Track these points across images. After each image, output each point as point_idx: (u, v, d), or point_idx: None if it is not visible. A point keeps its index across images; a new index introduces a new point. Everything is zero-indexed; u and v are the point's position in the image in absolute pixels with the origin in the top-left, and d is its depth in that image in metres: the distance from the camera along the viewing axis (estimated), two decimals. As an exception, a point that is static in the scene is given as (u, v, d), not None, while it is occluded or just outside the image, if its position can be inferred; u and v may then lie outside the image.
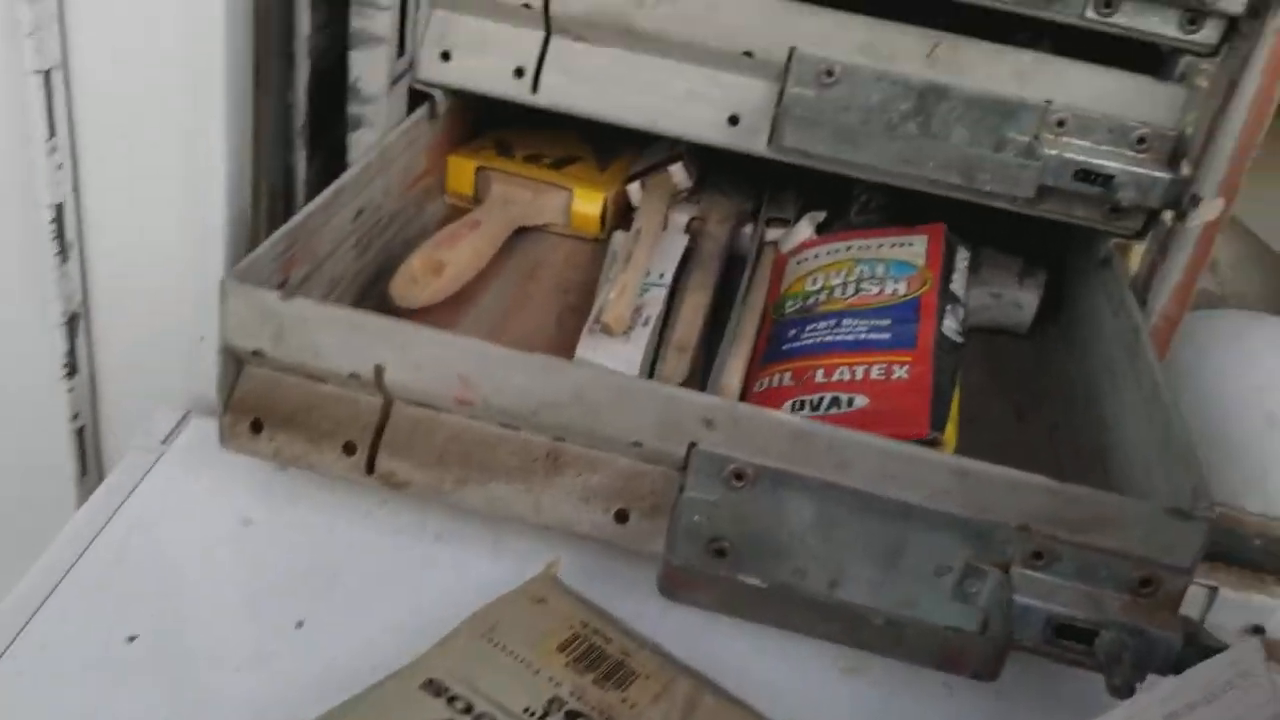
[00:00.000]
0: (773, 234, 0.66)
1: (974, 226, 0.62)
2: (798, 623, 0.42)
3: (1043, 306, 0.66)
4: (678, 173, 0.71)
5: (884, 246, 0.61)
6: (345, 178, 0.54)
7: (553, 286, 0.65)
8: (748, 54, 0.59)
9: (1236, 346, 0.59)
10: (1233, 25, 0.52)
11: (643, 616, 0.46)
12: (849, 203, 0.70)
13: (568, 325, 0.61)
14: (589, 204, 0.69)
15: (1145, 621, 0.42)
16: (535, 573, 0.46)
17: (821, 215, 0.66)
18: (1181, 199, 0.54)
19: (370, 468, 0.47)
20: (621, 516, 0.46)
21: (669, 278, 0.62)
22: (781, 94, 0.58)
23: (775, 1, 0.58)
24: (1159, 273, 0.56)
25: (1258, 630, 0.54)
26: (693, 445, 0.44)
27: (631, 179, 0.71)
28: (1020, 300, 0.66)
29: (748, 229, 0.69)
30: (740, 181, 0.72)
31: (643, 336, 0.58)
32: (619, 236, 0.67)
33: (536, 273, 0.66)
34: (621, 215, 0.71)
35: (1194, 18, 0.53)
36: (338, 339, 0.45)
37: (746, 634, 0.45)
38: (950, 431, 0.49)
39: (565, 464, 0.46)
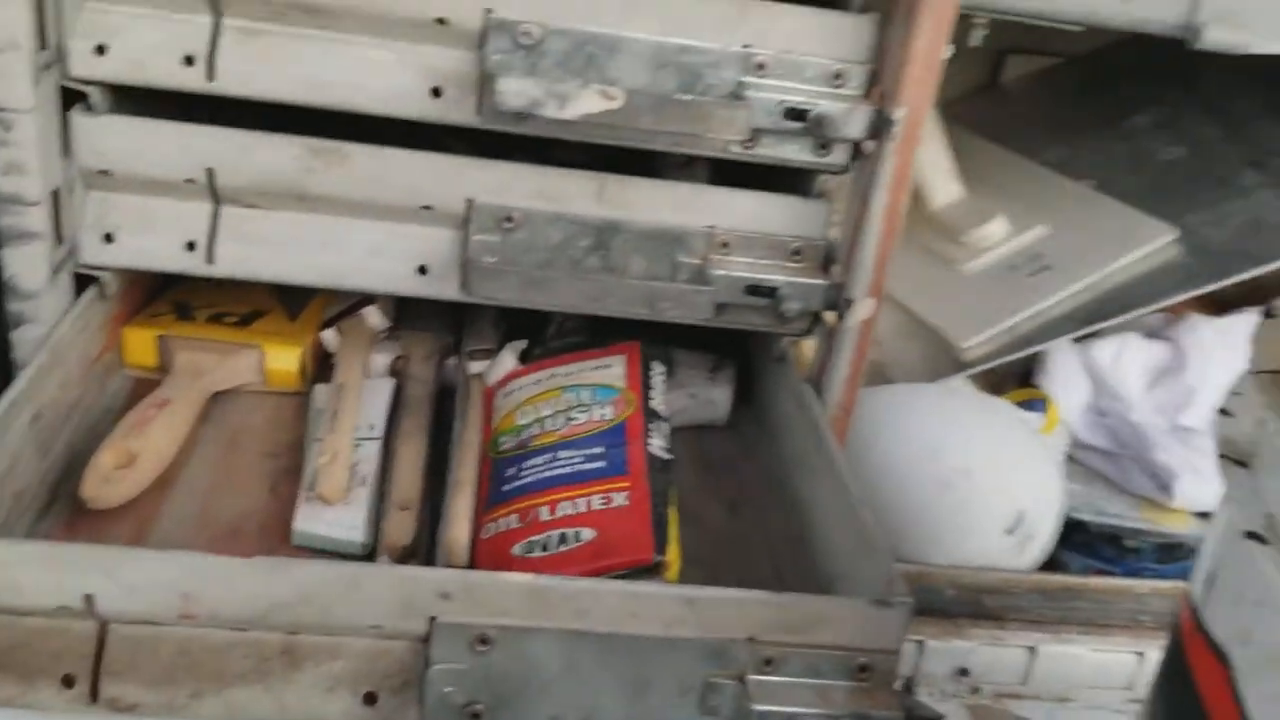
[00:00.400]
0: (476, 367, 0.68)
1: (666, 328, 0.66)
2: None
3: (736, 395, 0.71)
4: (373, 315, 0.71)
5: (585, 370, 0.64)
6: (15, 390, 0.51)
7: (259, 453, 0.63)
8: (427, 208, 0.60)
9: (905, 417, 0.66)
10: (857, 148, 0.59)
11: (406, 795, 0.46)
12: (547, 324, 0.73)
13: (282, 492, 0.60)
14: (284, 360, 0.68)
15: (869, 706, 0.46)
16: (288, 772, 0.45)
17: (522, 344, 0.68)
18: (838, 301, 0.61)
19: (94, 696, 0.44)
20: (370, 699, 0.46)
21: (380, 429, 0.63)
22: (466, 242, 0.60)
23: (445, 159, 0.60)
24: (829, 367, 0.62)
25: (963, 672, 0.60)
26: (433, 619, 0.45)
27: (325, 325, 0.71)
28: (714, 397, 0.71)
29: (451, 361, 0.70)
30: (439, 313, 0.73)
31: (362, 498, 0.58)
32: (320, 391, 0.66)
33: (239, 440, 0.64)
34: (319, 362, 0.70)
35: (824, 143, 0.59)
36: (37, 575, 0.43)
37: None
38: (673, 551, 0.52)
39: (303, 657, 0.46)
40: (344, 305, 0.72)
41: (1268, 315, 0.34)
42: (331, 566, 0.46)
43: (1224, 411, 0.35)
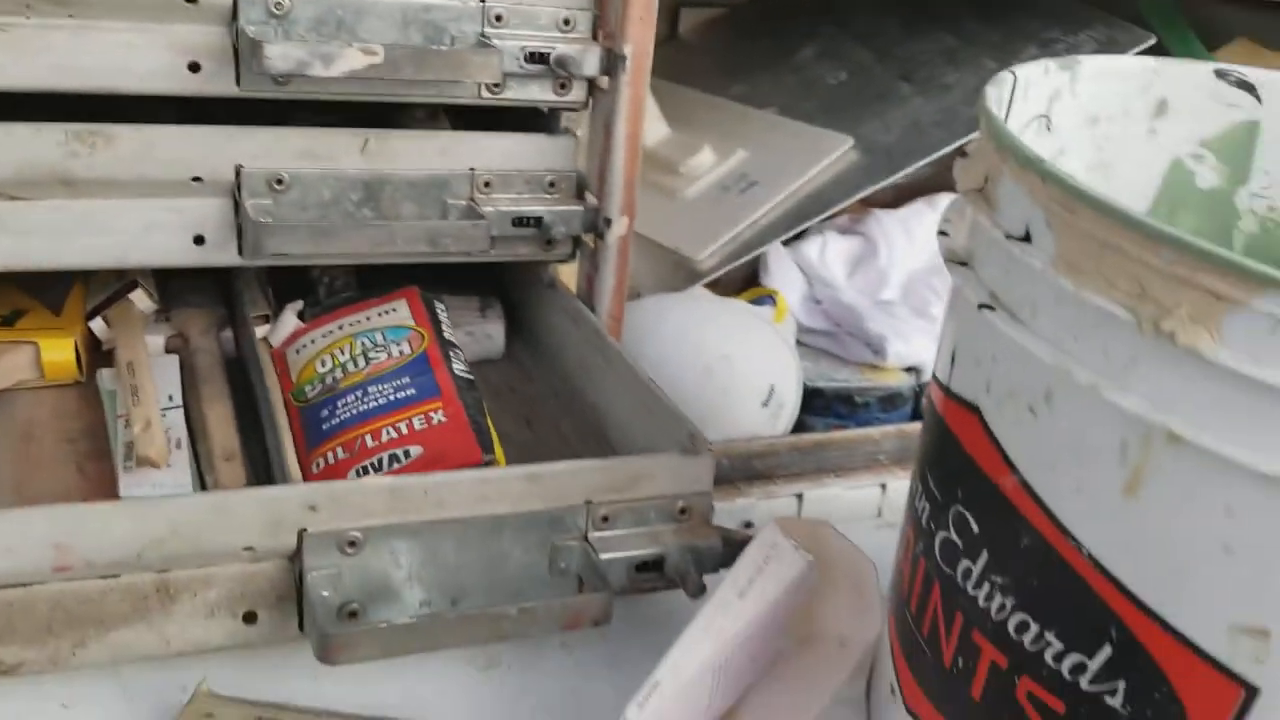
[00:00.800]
0: (261, 331, 0.70)
1: (428, 278, 0.71)
2: (452, 640, 0.49)
3: (507, 330, 0.77)
4: (140, 299, 0.72)
5: (371, 317, 0.68)
6: None
7: (57, 441, 0.63)
8: (197, 179, 0.62)
9: (665, 321, 0.74)
10: (593, 85, 0.67)
11: (299, 692, 0.49)
12: (314, 288, 0.76)
13: (92, 472, 0.61)
14: (59, 351, 0.68)
15: (693, 539, 0.54)
16: (178, 703, 0.48)
17: (299, 304, 0.71)
18: (597, 223, 0.68)
19: (-28, 667, 0.45)
20: (250, 618, 0.49)
21: (179, 398, 0.64)
22: (238, 208, 0.63)
23: (209, 130, 0.62)
24: (596, 283, 0.70)
25: (748, 524, 0.69)
26: (303, 531, 0.48)
27: (92, 315, 0.71)
28: (490, 332, 0.77)
29: (228, 333, 0.72)
30: (203, 290, 0.75)
31: (181, 459, 0.59)
32: (107, 375, 0.67)
33: (32, 432, 0.64)
34: (92, 352, 0.70)
35: (564, 83, 0.66)
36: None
37: (398, 667, 0.51)
38: (499, 453, 0.58)
39: (179, 590, 0.48)
40: (105, 294, 0.72)
41: (962, 154, 0.44)
42: (201, 496, 0.49)
43: (943, 232, 0.45)
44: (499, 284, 0.81)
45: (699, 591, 0.52)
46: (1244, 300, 0.31)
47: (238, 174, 0.63)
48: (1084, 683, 0.38)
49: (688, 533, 0.54)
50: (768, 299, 0.85)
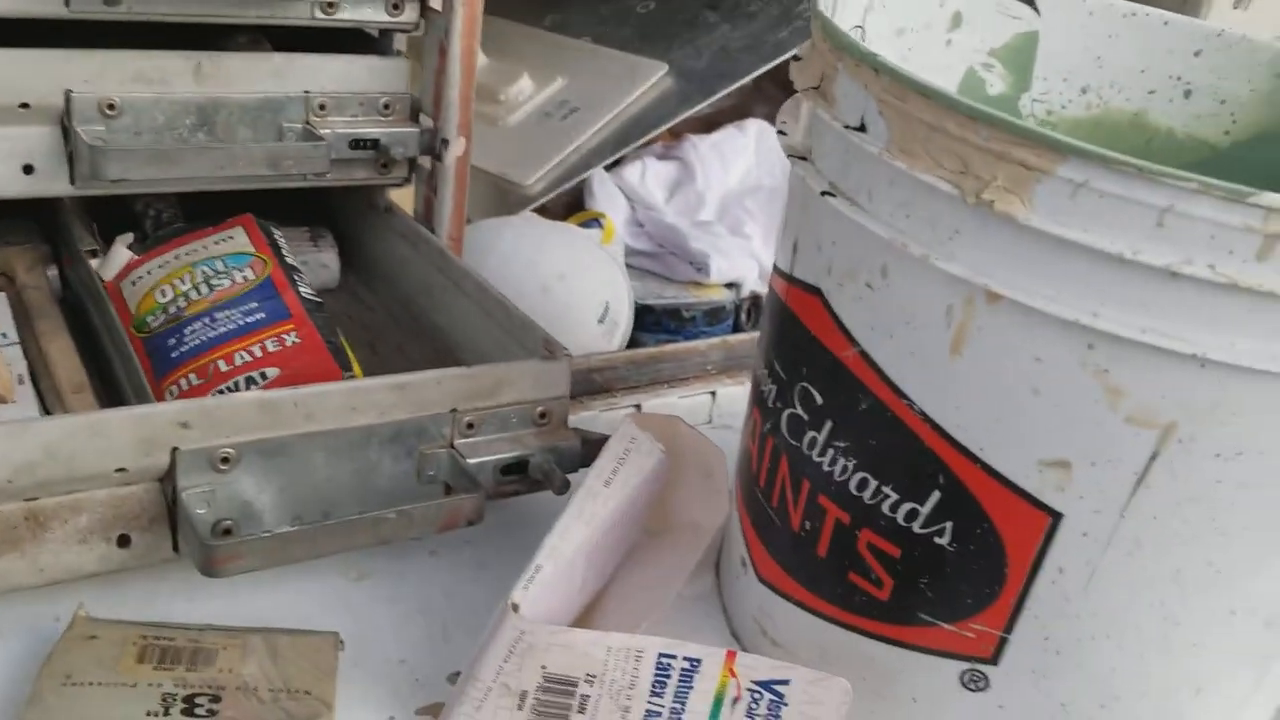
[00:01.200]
0: (94, 264, 0.68)
1: (254, 210, 0.71)
2: (331, 546, 0.50)
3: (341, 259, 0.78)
4: (-47, 239, 0.68)
5: (208, 245, 0.67)
6: None
7: (-123, 387, 0.61)
8: (25, 105, 0.60)
9: (500, 244, 0.76)
10: (426, 4, 0.68)
11: (175, 612, 0.50)
12: (139, 221, 0.74)
13: (-78, 417, 0.59)
14: None
15: (554, 441, 0.57)
16: (54, 632, 0.48)
17: (130, 237, 0.70)
18: (435, 144, 0.69)
19: None
20: (124, 541, 0.49)
21: (13, 335, 0.62)
22: (67, 135, 0.61)
23: (36, 53, 0.60)
24: (435, 206, 0.71)
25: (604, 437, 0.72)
26: (175, 450, 0.49)
27: (-102, 260, 0.67)
28: (324, 260, 0.77)
29: (53, 271, 0.70)
30: (22, 228, 0.72)
31: (27, 394, 0.58)
32: (-76, 317, 0.64)
33: None
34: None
35: (397, 4, 0.67)
36: None
37: (271, 582, 0.52)
38: (358, 370, 0.59)
39: (49, 518, 0.48)
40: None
41: (795, 59, 0.48)
42: (74, 417, 0.48)
43: (781, 132, 0.49)
44: (327, 215, 0.81)
45: (565, 488, 0.55)
46: (1050, 169, 0.36)
47: (68, 100, 0.61)
48: (916, 527, 0.44)
49: (548, 435, 0.57)
50: (595, 222, 0.88)
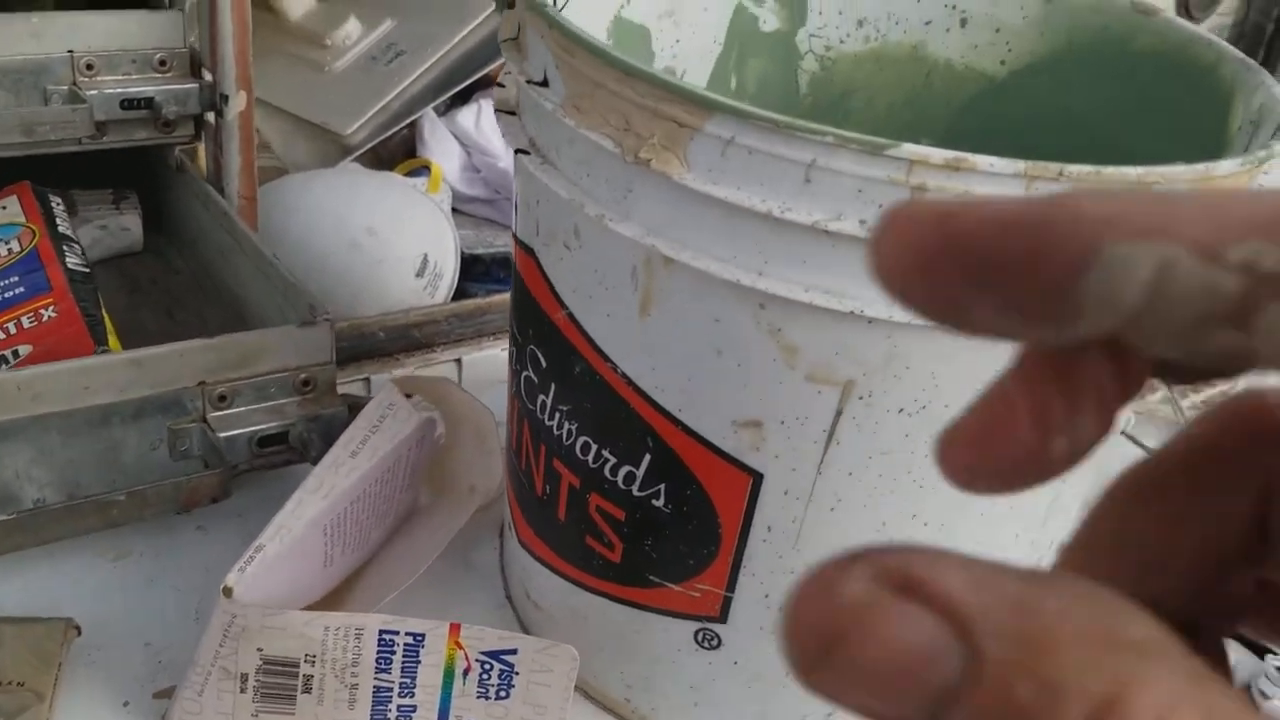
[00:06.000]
0: None
1: (57, 175, 0.68)
2: (62, 532, 0.48)
3: (147, 222, 0.75)
4: None
5: (-20, 218, 0.65)
6: None
7: None
8: None
9: (307, 198, 0.74)
10: (191, -46, 0.64)
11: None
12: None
13: None
14: None
15: (317, 409, 0.55)
16: None
17: (-100, 211, 0.67)
18: (215, 100, 0.67)
19: None
20: None
21: None
22: None
23: None
24: (223, 164, 0.68)
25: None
26: (-114, 440, 0.47)
27: None
28: (126, 224, 0.74)
29: None
30: None
31: None
32: None
33: None
34: None
35: (161, -47, 0.64)
36: None
37: (24, 564, 0.51)
38: (114, 344, 0.57)
39: None
40: None
41: (510, 5, 0.46)
42: None
43: (499, 84, 0.47)
44: (137, 175, 0.78)
45: (321, 458, 0.53)
46: (699, 125, 0.34)
47: None
48: (635, 490, 0.43)
49: (312, 404, 0.56)
50: (422, 170, 0.86)
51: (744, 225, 0.35)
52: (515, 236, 0.47)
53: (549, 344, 0.44)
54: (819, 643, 0.12)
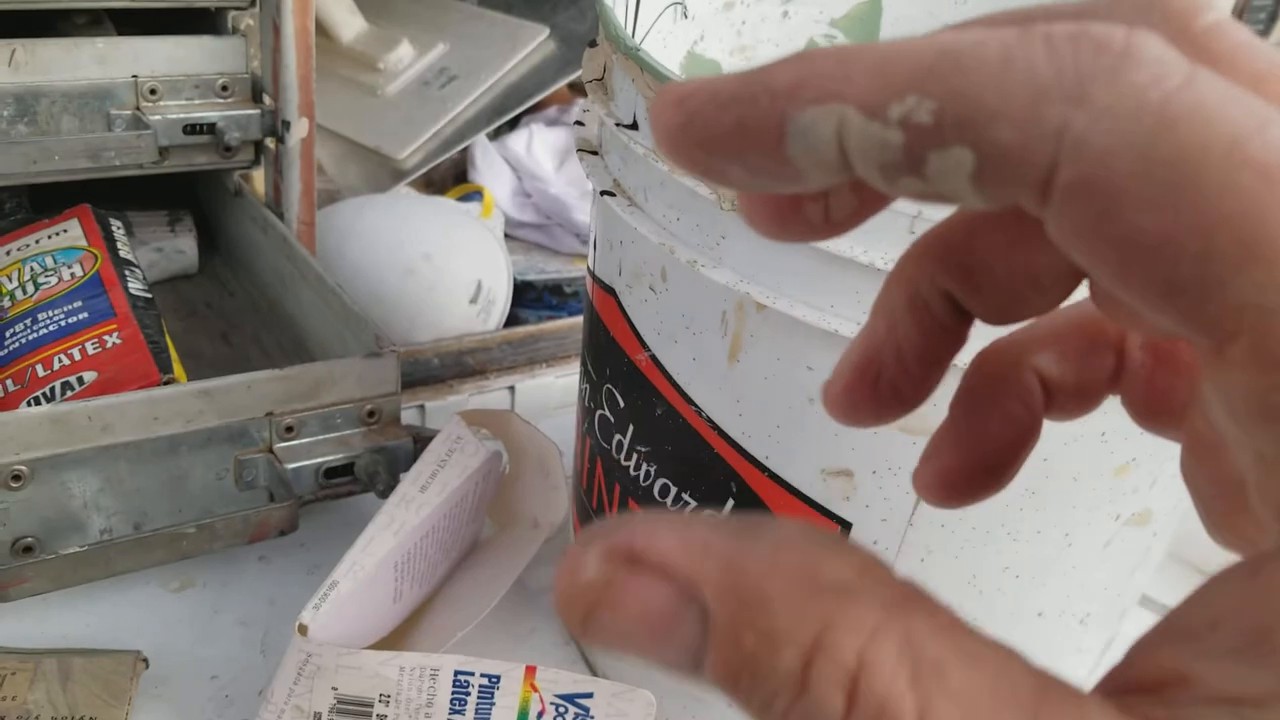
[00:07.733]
0: (-80, 266, 0.66)
1: (111, 196, 0.68)
2: (127, 565, 0.48)
3: (202, 244, 0.75)
4: None
5: (40, 240, 0.65)
6: None
7: None
8: None
9: (363, 223, 0.74)
10: (258, -20, 0.65)
11: (-22, 640, 0.48)
12: (-18, 213, 0.71)
13: None
14: None
15: (382, 440, 0.55)
16: None
17: (-37, 232, 0.67)
18: (276, 127, 0.67)
19: None
20: (-88, 566, 0.47)
21: None
22: (-127, 130, 0.58)
23: None
24: (283, 189, 0.68)
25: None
26: (-43, 470, 0.47)
27: None
28: (181, 247, 0.74)
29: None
30: None
31: None
32: None
33: None
34: None
35: (226, -21, 0.64)
36: None
37: (88, 596, 0.51)
38: (179, 371, 0.57)
39: None
40: None
41: (592, 44, 0.46)
42: None
43: (579, 123, 0.47)
44: (192, 197, 0.78)
45: (389, 490, 0.53)
46: (801, 176, 0.34)
47: None
48: (717, 534, 0.42)
49: (377, 435, 0.55)
50: (474, 195, 0.85)
51: (844, 275, 0.34)
52: (593, 274, 0.46)
53: (628, 384, 0.44)
54: (578, 615, 0.14)
